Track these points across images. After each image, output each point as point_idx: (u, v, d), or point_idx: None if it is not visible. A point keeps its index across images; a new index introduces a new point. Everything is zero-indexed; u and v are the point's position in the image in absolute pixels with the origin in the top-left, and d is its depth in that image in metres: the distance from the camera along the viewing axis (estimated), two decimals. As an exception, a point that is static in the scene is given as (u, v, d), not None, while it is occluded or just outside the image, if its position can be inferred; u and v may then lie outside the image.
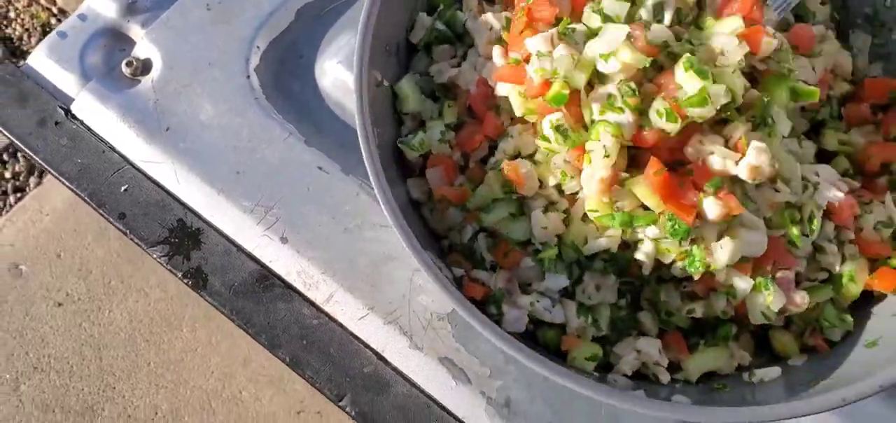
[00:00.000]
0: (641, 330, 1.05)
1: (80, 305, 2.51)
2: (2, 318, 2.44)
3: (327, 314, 1.18)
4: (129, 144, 1.28)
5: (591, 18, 1.01)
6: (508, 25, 1.10)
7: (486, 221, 1.05)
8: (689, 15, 1.04)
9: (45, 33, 2.81)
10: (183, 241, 1.23)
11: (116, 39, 1.37)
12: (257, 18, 1.36)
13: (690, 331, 1.06)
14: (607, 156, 0.94)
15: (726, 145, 0.97)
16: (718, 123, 0.99)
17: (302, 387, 2.29)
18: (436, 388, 1.14)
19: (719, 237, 0.97)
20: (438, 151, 1.10)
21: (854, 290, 1.03)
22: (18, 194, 2.67)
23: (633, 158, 1.00)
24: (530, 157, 1.06)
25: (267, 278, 1.21)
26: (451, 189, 1.08)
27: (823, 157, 1.13)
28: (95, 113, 1.30)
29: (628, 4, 1.00)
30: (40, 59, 1.34)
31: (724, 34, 0.98)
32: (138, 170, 1.27)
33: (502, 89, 1.04)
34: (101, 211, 1.25)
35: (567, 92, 0.96)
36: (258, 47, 1.34)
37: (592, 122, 0.97)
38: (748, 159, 0.93)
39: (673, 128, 0.93)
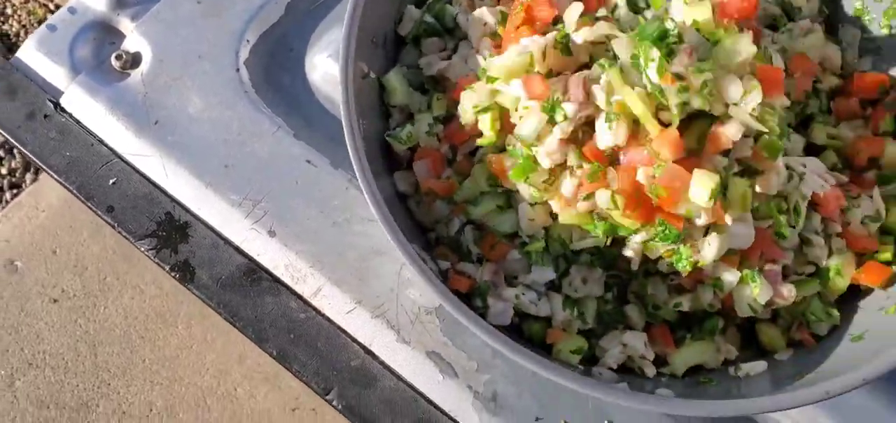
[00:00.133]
0: (628, 324, 1.05)
1: (75, 301, 2.50)
2: (-4, 314, 2.44)
3: (315, 308, 1.18)
4: (118, 138, 1.28)
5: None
6: (503, 20, 1.09)
7: (474, 214, 1.05)
8: None
9: (41, 30, 2.80)
10: (171, 234, 1.23)
11: (106, 33, 1.37)
12: (247, 12, 1.36)
13: (677, 324, 1.06)
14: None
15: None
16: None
17: (297, 384, 2.27)
18: (423, 382, 1.14)
19: (707, 232, 0.97)
20: (426, 144, 1.10)
21: (841, 284, 1.03)
22: (14, 191, 2.67)
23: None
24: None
25: (254, 271, 1.20)
26: (438, 182, 1.07)
27: (813, 151, 1.13)
28: (84, 106, 1.29)
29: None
30: (30, 53, 1.34)
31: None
32: (127, 163, 1.27)
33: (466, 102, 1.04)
34: (89, 204, 1.25)
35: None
36: (248, 41, 1.34)
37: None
38: None
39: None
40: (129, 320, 2.46)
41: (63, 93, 1.31)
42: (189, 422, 2.38)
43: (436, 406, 1.13)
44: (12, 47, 2.80)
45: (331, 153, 1.25)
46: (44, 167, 1.26)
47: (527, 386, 1.11)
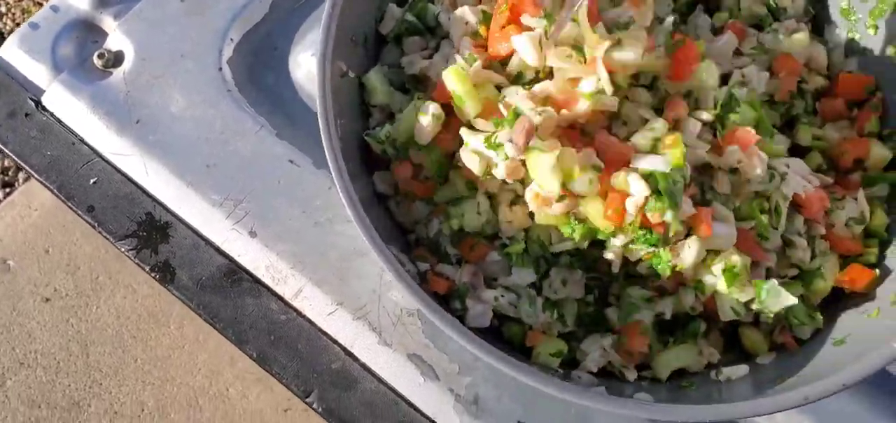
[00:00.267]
0: (609, 326, 1.04)
1: (67, 301, 2.50)
2: (-12, 313, 2.43)
3: (296, 310, 1.17)
4: (100, 137, 1.27)
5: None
6: (485, 20, 1.08)
7: (453, 214, 1.03)
8: None
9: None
10: (151, 234, 1.22)
11: (89, 31, 1.36)
12: (231, 10, 1.35)
13: (660, 328, 1.04)
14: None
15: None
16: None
17: (288, 385, 2.28)
18: (404, 384, 1.13)
19: (687, 235, 0.96)
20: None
21: (824, 287, 1.01)
22: (7, 190, 2.67)
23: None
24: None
25: (235, 272, 1.19)
26: (417, 183, 1.06)
27: (798, 152, 1.11)
28: (66, 105, 1.28)
29: None
30: (11, 51, 1.33)
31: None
32: (108, 162, 1.26)
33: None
34: (69, 204, 1.24)
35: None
36: (232, 39, 1.33)
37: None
38: None
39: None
40: (122, 320, 2.46)
41: (44, 91, 1.30)
42: (181, 422, 2.38)
43: (417, 409, 1.12)
44: (6, 46, 2.79)
45: (313, 153, 1.24)
46: (25, 166, 1.25)
47: (508, 389, 1.10)
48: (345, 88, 1.06)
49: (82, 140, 1.28)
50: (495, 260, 1.03)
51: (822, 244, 1.03)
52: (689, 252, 0.94)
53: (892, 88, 1.10)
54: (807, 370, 0.95)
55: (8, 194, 2.63)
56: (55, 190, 1.24)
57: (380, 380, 1.13)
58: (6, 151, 1.26)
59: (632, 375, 1.00)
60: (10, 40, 1.33)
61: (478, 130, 1.00)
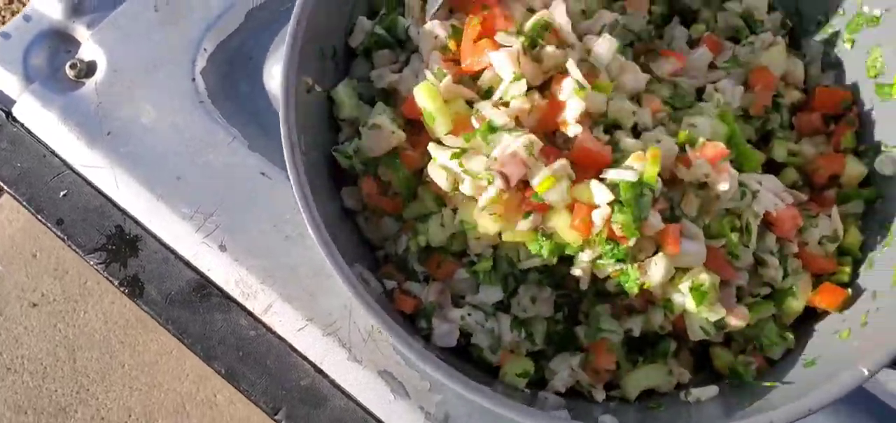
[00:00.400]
0: (578, 345, 1.02)
1: (55, 306, 2.49)
2: (-25, 318, 2.43)
3: (265, 325, 1.16)
4: (70, 149, 1.25)
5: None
6: (454, 35, 1.07)
7: (421, 230, 1.02)
8: None
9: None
10: (120, 248, 1.20)
11: (62, 40, 1.35)
12: (206, 20, 1.33)
13: (631, 346, 1.03)
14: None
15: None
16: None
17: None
18: (374, 401, 1.11)
19: (656, 251, 0.94)
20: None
21: (796, 306, 1.00)
22: (-6, 194, 2.65)
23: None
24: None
25: (204, 287, 1.18)
26: (385, 199, 1.05)
27: (774, 168, 1.10)
28: (37, 116, 1.27)
29: None
30: (-18, 61, 1.32)
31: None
32: (79, 175, 1.25)
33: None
34: (38, 216, 1.22)
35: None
36: (205, 49, 1.31)
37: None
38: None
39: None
40: (109, 325, 2.45)
41: (15, 102, 1.29)
42: (168, 428, 2.37)
43: (386, 427, 1.10)
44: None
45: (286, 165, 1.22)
46: (-6, 178, 1.24)
47: (478, 408, 1.08)
48: (314, 102, 1.05)
49: (53, 152, 1.26)
50: (463, 278, 1.02)
51: (794, 263, 1.01)
52: (657, 270, 0.93)
53: (867, 103, 1.09)
54: (778, 392, 0.93)
55: (-6, 198, 2.62)
56: (25, 203, 1.22)
57: (349, 397, 1.12)
58: (-24, 162, 1.24)
59: (600, 395, 0.99)
60: (-19, 50, 1.32)
61: (446, 145, 0.99)
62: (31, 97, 1.28)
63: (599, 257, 0.94)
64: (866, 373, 0.85)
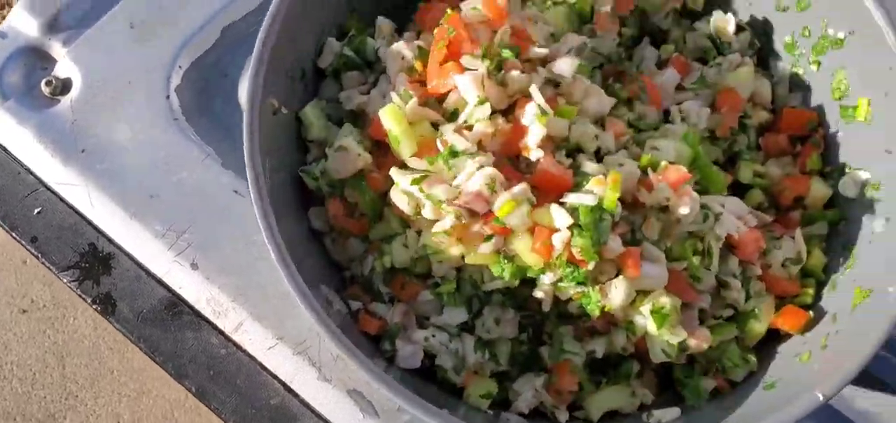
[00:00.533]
0: (543, 365, 1.03)
1: (44, 312, 2.50)
2: (-35, 324, 2.44)
3: (236, 344, 1.17)
4: (45, 166, 1.26)
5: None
6: (421, 56, 1.07)
7: (385, 251, 1.03)
8: None
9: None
10: (94, 266, 1.21)
11: (38, 58, 1.35)
12: (182, 37, 1.34)
13: (594, 368, 1.03)
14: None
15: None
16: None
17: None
18: (343, 420, 1.12)
19: (617, 274, 0.95)
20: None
21: (758, 329, 1.01)
22: (-17, 200, 2.66)
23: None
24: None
25: (176, 305, 1.19)
26: (352, 220, 1.06)
27: (740, 188, 1.10)
28: (12, 133, 1.28)
29: None
30: (-42, 78, 1.32)
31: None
32: (53, 192, 1.25)
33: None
34: (12, 234, 1.23)
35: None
36: (180, 66, 1.32)
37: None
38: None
39: None
40: (99, 332, 2.45)
41: (-10, 119, 1.30)
42: (156, 435, 2.38)
43: (355, 446, 1.11)
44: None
45: (259, 183, 1.23)
46: (-32, 196, 1.25)
47: (446, 426, 1.09)
48: (282, 123, 1.06)
49: (28, 170, 1.27)
50: (427, 300, 1.02)
51: (757, 285, 1.02)
52: (617, 292, 0.93)
53: (832, 125, 1.09)
54: (738, 415, 0.94)
55: (-16, 205, 2.62)
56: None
57: (319, 416, 1.13)
58: (-49, 179, 1.25)
59: (563, 416, 0.99)
60: (-42, 68, 1.33)
61: (409, 168, 1.00)
62: (7, 114, 1.28)
63: (561, 279, 0.94)
64: (821, 398, 0.86)
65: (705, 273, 0.98)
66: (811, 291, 1.03)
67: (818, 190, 1.07)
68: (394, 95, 1.03)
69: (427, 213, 0.96)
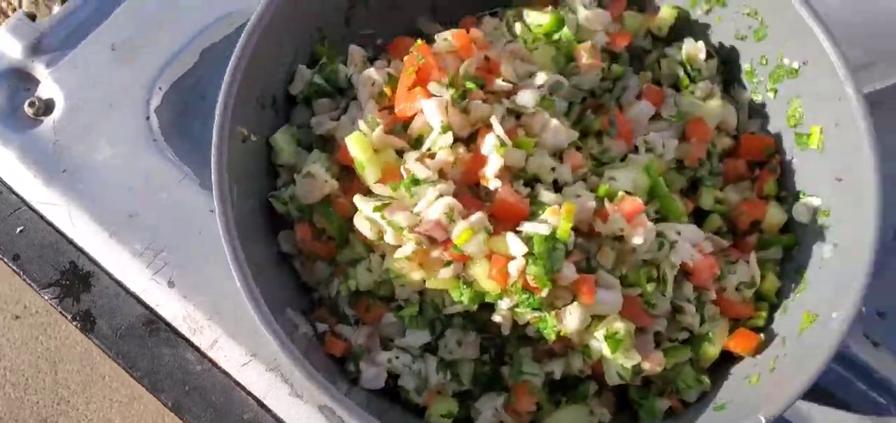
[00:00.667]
0: (504, 385, 1.06)
1: (37, 318, 2.52)
2: (-43, 331, 2.46)
3: (211, 360, 1.20)
4: (27, 186, 1.29)
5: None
6: (391, 82, 1.11)
7: (350, 274, 1.06)
8: None
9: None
10: (74, 283, 1.24)
11: (21, 79, 1.38)
12: (163, 58, 1.37)
13: (554, 387, 1.07)
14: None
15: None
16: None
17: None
18: (315, 436, 1.15)
19: (573, 300, 0.98)
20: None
21: (712, 352, 1.04)
22: (-23, 207, 2.68)
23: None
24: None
25: (153, 322, 1.22)
26: (319, 244, 1.09)
27: (701, 213, 1.13)
28: (-4, 154, 1.31)
29: None
30: (-58, 100, 1.36)
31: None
32: (35, 212, 1.29)
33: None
34: (-6, 253, 1.27)
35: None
36: (160, 88, 1.35)
37: None
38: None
39: None
40: (90, 338, 2.47)
41: (-26, 141, 1.33)
42: (147, 440, 2.41)
43: (326, 461, 1.14)
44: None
45: (235, 203, 1.26)
46: (-48, 216, 1.28)
47: (412, 442, 1.12)
48: (252, 149, 1.09)
49: (10, 189, 1.30)
50: (391, 322, 1.06)
51: (711, 309, 1.05)
52: (572, 318, 0.96)
53: (788, 152, 1.12)
54: (685, 437, 0.97)
55: (-22, 212, 2.65)
56: (-18, 239, 1.27)
57: (291, 431, 1.16)
58: (-64, 199, 1.28)
59: (523, 436, 1.03)
60: (-59, 90, 1.36)
61: (374, 194, 1.03)
62: (-10, 136, 1.32)
63: (517, 305, 0.97)
64: (763, 421, 0.89)
65: (660, 299, 1.01)
66: (764, 314, 1.06)
67: (774, 215, 1.10)
68: (361, 122, 1.06)
69: (389, 239, 0.99)
